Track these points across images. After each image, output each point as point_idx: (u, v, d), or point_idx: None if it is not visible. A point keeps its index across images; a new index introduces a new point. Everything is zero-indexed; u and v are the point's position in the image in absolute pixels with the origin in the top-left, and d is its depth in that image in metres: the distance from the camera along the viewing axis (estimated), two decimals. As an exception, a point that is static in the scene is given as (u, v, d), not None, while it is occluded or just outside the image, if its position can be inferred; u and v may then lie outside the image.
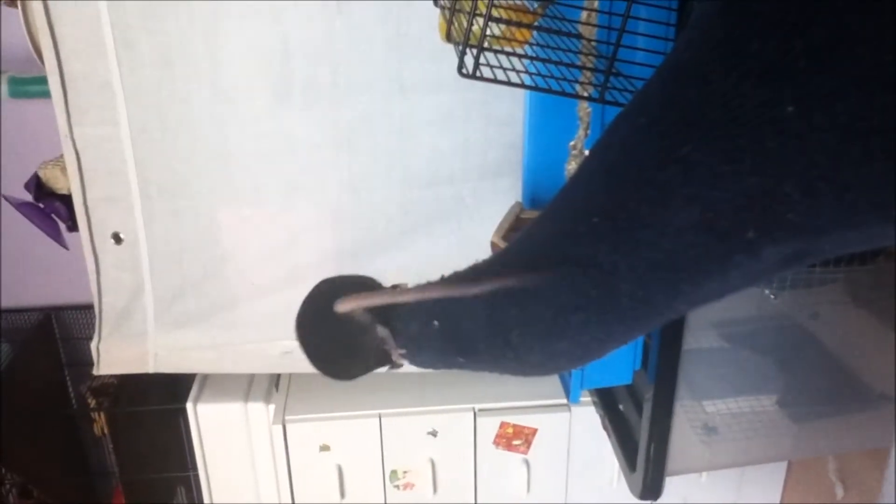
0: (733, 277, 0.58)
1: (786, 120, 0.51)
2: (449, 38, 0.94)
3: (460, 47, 0.83)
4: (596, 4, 0.98)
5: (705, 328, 1.28)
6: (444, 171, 1.58)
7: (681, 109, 0.55)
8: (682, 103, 0.55)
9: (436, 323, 0.69)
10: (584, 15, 1.01)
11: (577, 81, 0.92)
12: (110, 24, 1.40)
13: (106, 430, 2.05)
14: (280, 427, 1.75)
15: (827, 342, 1.30)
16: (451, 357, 0.70)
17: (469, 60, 0.83)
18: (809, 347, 1.29)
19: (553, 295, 0.62)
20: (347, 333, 0.73)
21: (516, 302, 0.64)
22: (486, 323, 0.66)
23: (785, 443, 1.29)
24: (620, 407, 1.41)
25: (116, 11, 1.39)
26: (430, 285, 0.70)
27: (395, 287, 0.74)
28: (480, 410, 1.77)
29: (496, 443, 1.80)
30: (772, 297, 1.21)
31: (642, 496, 1.26)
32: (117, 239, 1.59)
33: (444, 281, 0.70)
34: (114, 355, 1.69)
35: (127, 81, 1.45)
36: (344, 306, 0.71)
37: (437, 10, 1.09)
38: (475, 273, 0.69)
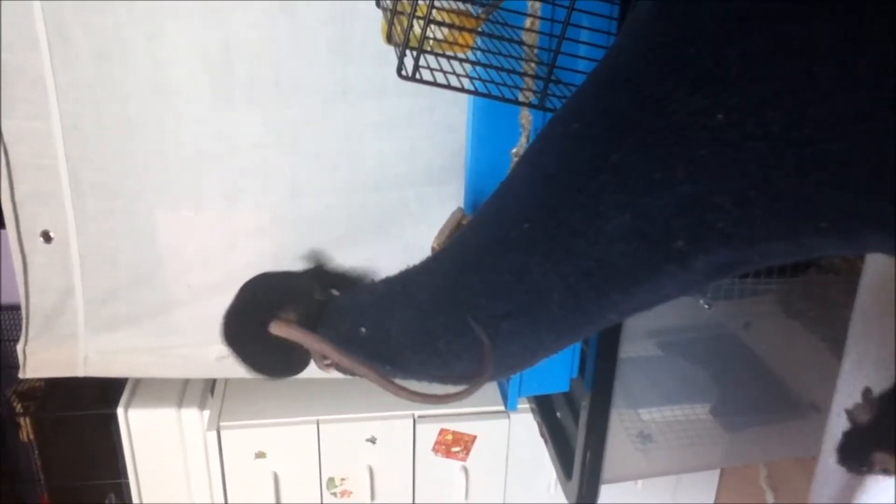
0: (664, 287, 0.58)
1: (718, 128, 0.51)
2: (390, 39, 0.93)
3: (400, 49, 0.82)
4: (538, 11, 0.98)
5: (641, 337, 1.29)
6: (388, 176, 1.56)
7: (614, 115, 0.55)
8: (614, 109, 0.55)
9: (363, 329, 0.68)
10: (527, 22, 1.01)
11: (518, 88, 0.92)
12: (43, 16, 1.36)
13: (32, 436, 1.98)
14: (214, 433, 1.71)
15: (759, 352, 1.33)
16: (379, 365, 0.69)
17: (409, 62, 0.82)
18: (742, 357, 1.31)
19: (483, 302, 0.61)
20: (278, 349, 0.72)
21: (445, 309, 0.63)
22: (414, 331, 0.65)
23: (718, 451, 1.31)
24: (558, 414, 1.41)
25: (51, 3, 1.35)
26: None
27: (326, 300, 0.73)
28: (420, 417, 1.76)
29: (435, 450, 1.79)
30: (706, 306, 1.23)
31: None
32: (47, 237, 1.54)
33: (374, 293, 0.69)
34: (41, 358, 1.63)
35: (60, 75, 1.40)
36: (277, 331, 0.70)
37: (381, 12, 1.08)
38: (405, 280, 0.68)
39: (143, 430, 1.77)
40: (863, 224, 0.51)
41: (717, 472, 1.98)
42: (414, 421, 1.76)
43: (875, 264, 0.87)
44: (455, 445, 1.78)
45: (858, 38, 0.47)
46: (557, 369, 1.24)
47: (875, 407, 0.68)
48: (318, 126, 1.50)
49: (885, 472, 0.67)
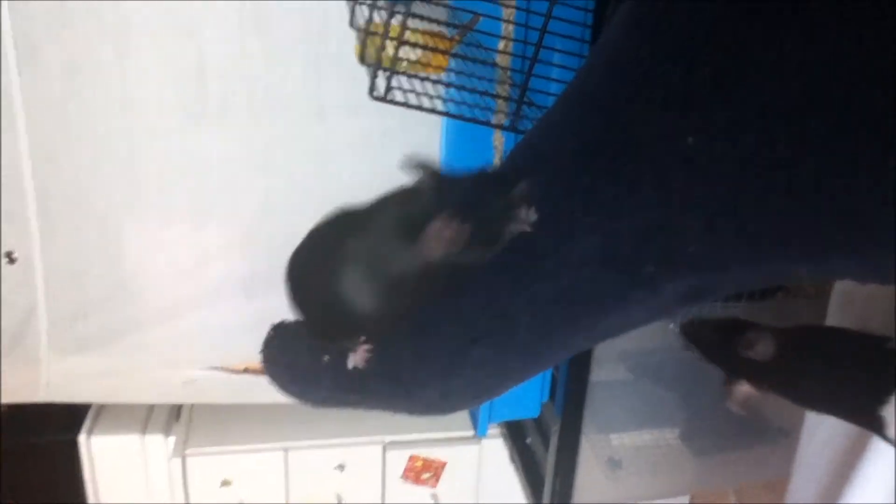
0: (634, 312, 0.57)
1: (688, 151, 0.51)
2: (363, 60, 0.93)
3: (372, 70, 0.82)
4: (512, 34, 0.98)
5: (612, 360, 1.29)
6: (361, 196, 1.54)
7: (584, 137, 0.54)
8: (585, 131, 0.54)
9: (326, 357, 0.66)
10: (500, 44, 1.02)
11: (491, 110, 0.92)
12: (12, 30, 1.34)
13: (-11, 463, 1.92)
14: (179, 460, 1.68)
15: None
16: (343, 395, 0.67)
17: (381, 83, 0.82)
18: (711, 381, 1.31)
19: (449, 329, 0.60)
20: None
21: (411, 336, 0.62)
22: (378, 358, 0.63)
23: (687, 476, 1.31)
24: (528, 440, 1.40)
25: (19, 17, 1.33)
26: None
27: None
28: (389, 443, 1.74)
29: (405, 476, 1.76)
30: (675, 329, 1.23)
31: (548, 530, 1.25)
32: (10, 258, 1.50)
33: None
34: (2, 382, 1.59)
35: (28, 91, 1.38)
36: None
37: (354, 32, 1.08)
38: None
39: (106, 458, 1.73)
40: (831, 250, 0.51)
41: (686, 498, 1.97)
42: (384, 447, 1.73)
43: (843, 288, 0.87)
44: (425, 472, 1.76)
45: (828, 58, 0.46)
46: (528, 394, 1.23)
47: (777, 345, 0.68)
48: (290, 144, 1.49)
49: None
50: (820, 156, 0.47)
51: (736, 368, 0.70)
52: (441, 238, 0.57)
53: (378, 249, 0.62)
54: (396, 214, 0.64)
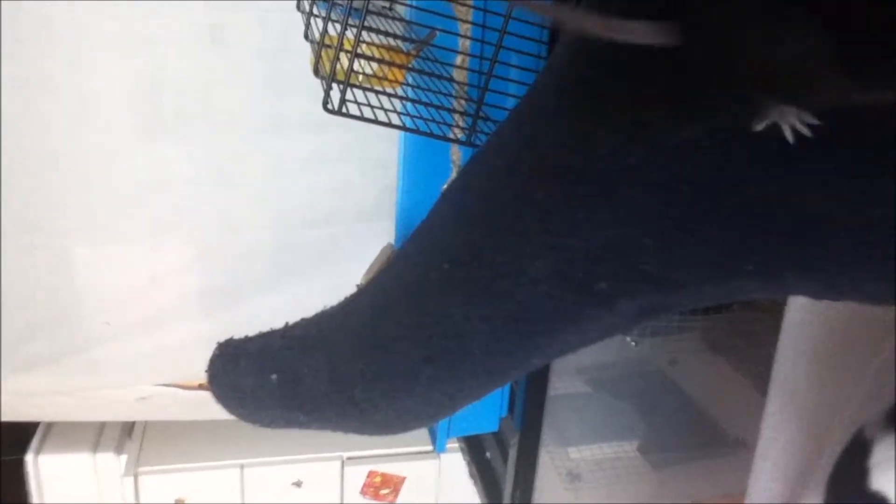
0: (589, 330, 0.57)
1: (639, 168, 0.50)
2: (317, 72, 0.92)
3: (326, 82, 0.81)
4: (469, 49, 0.98)
5: (570, 373, 1.29)
6: (319, 212, 1.54)
7: (537, 152, 0.54)
8: (538, 146, 0.54)
9: (274, 377, 0.64)
10: (458, 59, 1.02)
11: (447, 124, 0.92)
12: (-41, 42, 1.30)
13: (-68, 485, 1.85)
14: (132, 479, 1.64)
15: (685, 388, 1.34)
16: (292, 414, 0.65)
17: (335, 96, 0.81)
18: (668, 393, 1.33)
19: (402, 346, 0.59)
20: None
21: (361, 353, 0.60)
22: (328, 377, 0.62)
23: (647, 489, 1.31)
24: (487, 454, 1.40)
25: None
26: None
27: None
28: (348, 459, 1.72)
29: (364, 492, 1.74)
30: (632, 343, 1.24)
31: (508, 546, 1.25)
32: (-43, 278, 1.46)
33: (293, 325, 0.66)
34: (-53, 402, 1.54)
35: (-25, 104, 1.34)
36: None
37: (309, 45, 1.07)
38: (321, 322, 0.65)
39: (54, 477, 1.69)
40: (787, 268, 0.51)
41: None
42: (342, 463, 1.72)
43: (797, 302, 0.88)
44: (384, 487, 1.75)
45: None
46: (487, 409, 1.23)
47: None
48: (246, 160, 1.47)
49: None
50: (775, 175, 0.47)
51: None
52: None
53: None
54: None
